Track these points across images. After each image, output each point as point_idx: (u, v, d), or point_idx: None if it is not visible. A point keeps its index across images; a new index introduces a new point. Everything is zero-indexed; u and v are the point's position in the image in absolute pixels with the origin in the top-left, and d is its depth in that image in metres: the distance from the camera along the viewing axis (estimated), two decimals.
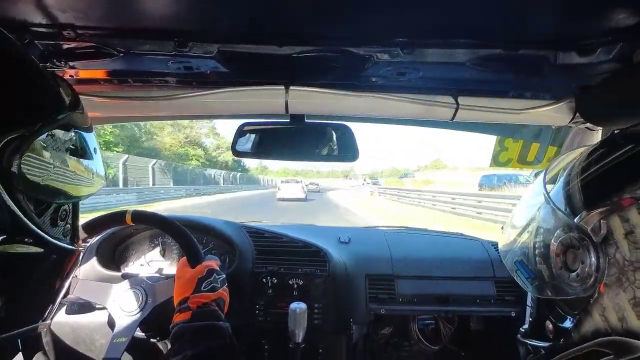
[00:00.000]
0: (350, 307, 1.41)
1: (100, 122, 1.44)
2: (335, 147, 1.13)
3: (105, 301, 1.07)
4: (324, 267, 1.41)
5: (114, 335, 1.01)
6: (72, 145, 0.54)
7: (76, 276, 1.13)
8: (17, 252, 0.46)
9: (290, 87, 1.00)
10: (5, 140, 0.42)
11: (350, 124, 1.14)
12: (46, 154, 0.48)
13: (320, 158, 1.17)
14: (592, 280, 0.57)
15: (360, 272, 1.49)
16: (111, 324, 1.05)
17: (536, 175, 1.43)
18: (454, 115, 1.07)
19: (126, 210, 1.01)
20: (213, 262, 0.99)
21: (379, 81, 0.99)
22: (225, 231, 1.46)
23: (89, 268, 1.29)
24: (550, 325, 0.70)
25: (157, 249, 1.51)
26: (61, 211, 0.55)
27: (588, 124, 1.10)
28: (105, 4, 0.66)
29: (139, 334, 1.09)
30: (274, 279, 1.40)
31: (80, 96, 0.62)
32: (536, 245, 0.69)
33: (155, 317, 1.05)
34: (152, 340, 1.24)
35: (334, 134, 1.13)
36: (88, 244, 1.35)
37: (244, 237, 1.48)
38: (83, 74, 0.95)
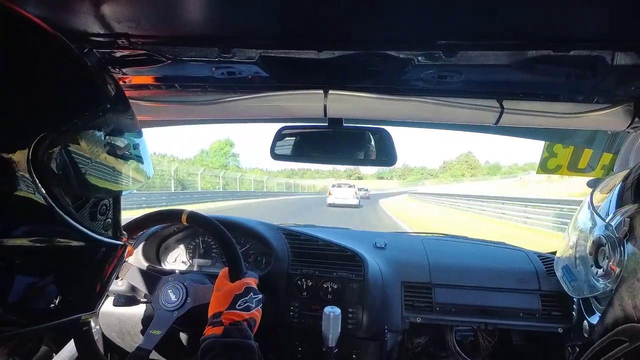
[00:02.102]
0: (385, 314, 1.39)
1: (148, 126, 1.51)
2: (373, 150, 1.12)
3: (151, 291, 1.13)
4: (359, 272, 1.40)
5: (151, 326, 1.06)
6: (114, 141, 0.55)
7: (127, 261, 1.20)
8: (56, 246, 0.47)
9: (329, 91, 1.00)
10: (42, 135, 0.43)
11: (388, 128, 1.13)
12: (85, 150, 0.49)
13: (358, 162, 1.16)
14: (615, 274, 0.59)
15: (396, 278, 1.46)
16: (151, 315, 1.11)
17: (588, 184, 1.35)
18: (499, 119, 1.03)
19: (183, 210, 1.06)
20: (252, 280, 1.01)
21: (419, 85, 0.97)
22: (263, 232, 1.49)
23: (135, 260, 1.37)
24: (587, 324, 0.70)
25: (198, 248, 1.57)
26: (101, 205, 0.55)
27: None
28: (156, 13, 0.70)
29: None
30: (308, 281, 1.41)
31: (130, 100, 0.65)
32: (577, 249, 0.72)
33: (191, 316, 1.09)
34: (182, 333, 1.28)
35: (372, 138, 1.12)
36: (136, 239, 1.43)
37: (281, 239, 1.50)
38: (134, 80, 1.01)
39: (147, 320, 1.20)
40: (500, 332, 1.48)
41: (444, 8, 0.65)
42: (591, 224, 0.72)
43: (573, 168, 1.51)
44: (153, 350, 1.03)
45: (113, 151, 0.55)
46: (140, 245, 1.43)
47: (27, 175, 0.41)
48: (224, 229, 1.06)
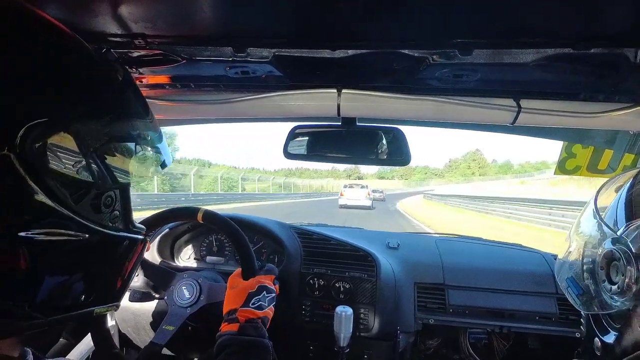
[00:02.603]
0: (398, 314, 1.38)
1: (163, 125, 1.54)
2: (387, 150, 1.11)
3: (165, 287, 1.15)
4: (371, 272, 1.39)
5: (164, 322, 1.08)
6: (116, 132, 0.54)
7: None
8: (55, 240, 0.46)
9: (343, 90, 1.00)
10: (30, 125, 0.42)
11: (402, 127, 1.12)
12: (82, 140, 0.47)
13: (371, 161, 1.15)
14: (632, 292, 0.56)
15: (409, 279, 1.45)
16: (166, 310, 1.13)
17: None
18: (515, 119, 1.01)
19: (198, 208, 1.08)
20: (265, 278, 1.01)
21: (434, 84, 0.96)
22: (275, 231, 1.50)
23: (150, 256, 1.40)
24: (599, 343, 0.67)
25: (211, 245, 1.58)
26: (105, 197, 0.53)
27: None
28: (172, 14, 0.71)
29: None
30: (320, 280, 1.41)
31: (147, 100, 0.66)
32: (584, 261, 0.69)
33: (204, 313, 1.11)
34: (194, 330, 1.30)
35: (386, 138, 1.11)
36: (151, 235, 1.46)
37: (293, 238, 1.51)
38: (151, 80, 1.02)
39: (161, 316, 1.22)
40: (516, 335, 1.46)
41: (460, 6, 0.63)
42: (599, 235, 0.68)
43: (593, 169, 1.47)
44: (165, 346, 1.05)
45: (119, 145, 0.54)
46: (155, 242, 1.46)
47: (17, 167, 0.41)
48: (237, 228, 1.07)
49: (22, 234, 0.42)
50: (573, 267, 0.74)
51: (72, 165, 0.47)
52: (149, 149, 0.63)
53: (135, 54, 0.84)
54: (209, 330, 0.96)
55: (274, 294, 1.00)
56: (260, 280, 0.99)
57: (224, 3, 0.67)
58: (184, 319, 1.09)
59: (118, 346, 1.08)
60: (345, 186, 22.92)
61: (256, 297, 0.95)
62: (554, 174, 1.56)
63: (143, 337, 1.40)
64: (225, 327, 0.90)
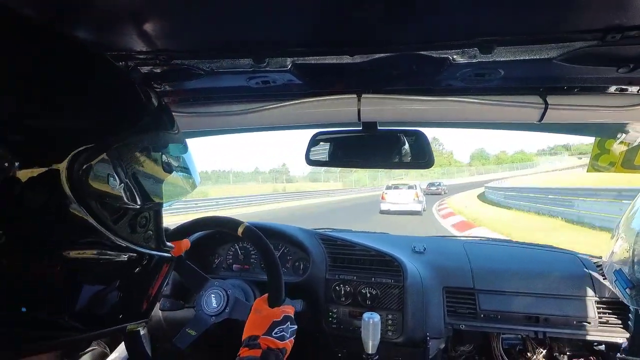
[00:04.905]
0: (427, 320, 1.35)
1: (187, 137, 1.57)
2: (409, 153, 1.10)
3: (197, 290, 1.17)
4: (398, 277, 1.37)
5: (187, 325, 1.09)
6: (156, 154, 0.56)
7: (182, 256, 1.23)
8: (95, 259, 0.48)
9: (363, 95, 1.00)
10: (79, 149, 0.44)
11: (424, 130, 1.10)
12: (125, 163, 0.49)
13: (393, 165, 1.14)
14: None
15: (437, 283, 1.42)
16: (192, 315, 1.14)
17: None
18: (542, 116, 0.97)
19: (241, 222, 1.07)
20: (290, 309, 1.01)
21: (456, 84, 0.94)
22: (300, 238, 1.50)
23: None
24: None
25: (237, 254, 1.60)
26: (140, 218, 0.55)
27: None
28: (193, 30, 0.73)
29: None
30: (347, 287, 1.40)
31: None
32: (636, 253, 0.65)
33: (225, 325, 1.12)
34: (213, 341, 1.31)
35: (407, 141, 1.10)
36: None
37: (318, 245, 1.51)
38: (174, 93, 1.05)
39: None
40: (552, 341, 1.40)
41: (480, 3, 0.62)
42: None
43: (628, 165, 1.40)
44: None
45: (154, 164, 0.55)
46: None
47: (65, 189, 0.43)
48: (274, 252, 1.06)
49: (66, 251, 0.44)
50: (623, 260, 0.71)
51: (113, 187, 0.48)
52: (181, 168, 0.64)
53: (159, 69, 0.86)
54: (229, 344, 0.95)
55: (295, 327, 0.99)
56: (285, 311, 0.99)
57: (242, 16, 0.68)
58: (207, 327, 1.10)
59: (150, 354, 1.11)
60: (388, 187, 17.76)
61: (280, 327, 0.94)
62: (587, 171, 1.49)
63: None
64: (246, 352, 0.88)
